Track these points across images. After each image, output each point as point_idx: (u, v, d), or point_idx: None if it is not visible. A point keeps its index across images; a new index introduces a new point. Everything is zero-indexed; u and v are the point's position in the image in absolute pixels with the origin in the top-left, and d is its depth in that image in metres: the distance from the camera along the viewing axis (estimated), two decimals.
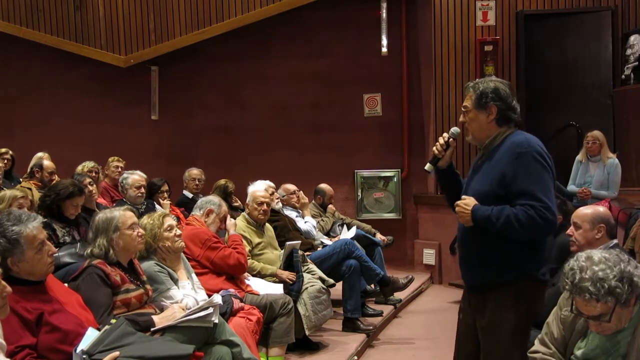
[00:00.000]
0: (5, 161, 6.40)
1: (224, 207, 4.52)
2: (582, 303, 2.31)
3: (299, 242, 4.89)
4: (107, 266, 3.10)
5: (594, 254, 2.34)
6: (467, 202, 2.67)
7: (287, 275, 4.55)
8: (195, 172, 6.69)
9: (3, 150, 6.47)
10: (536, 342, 2.70)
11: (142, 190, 5.54)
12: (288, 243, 4.73)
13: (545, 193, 2.56)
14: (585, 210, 3.43)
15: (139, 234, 3.28)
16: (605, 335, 2.39)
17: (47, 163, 6.09)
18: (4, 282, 2.07)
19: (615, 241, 3.50)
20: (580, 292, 2.28)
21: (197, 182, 6.63)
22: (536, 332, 3.09)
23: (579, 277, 2.28)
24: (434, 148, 2.87)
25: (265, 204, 4.83)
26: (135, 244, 3.26)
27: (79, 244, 4.04)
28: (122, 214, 3.28)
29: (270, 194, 5.19)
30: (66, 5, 8.32)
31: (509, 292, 2.65)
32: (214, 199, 4.52)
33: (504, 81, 2.82)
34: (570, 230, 3.44)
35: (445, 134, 2.86)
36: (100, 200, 5.36)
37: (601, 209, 3.47)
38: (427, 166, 2.90)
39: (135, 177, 5.54)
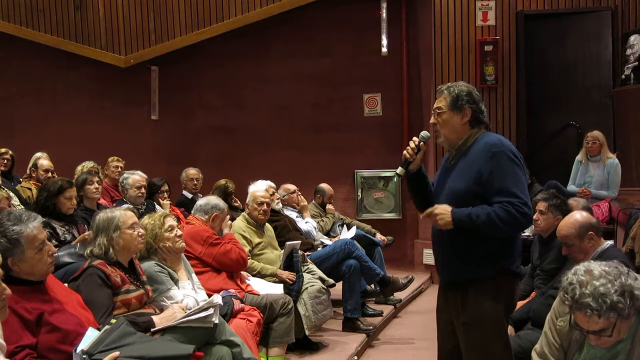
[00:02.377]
0: (5, 161, 6.40)
1: (226, 211, 4.52)
2: (583, 318, 2.25)
3: (299, 242, 4.89)
4: (107, 267, 3.10)
5: (594, 267, 2.28)
6: (444, 206, 2.73)
7: (287, 275, 4.55)
8: (192, 172, 6.68)
9: (3, 150, 6.47)
10: (534, 355, 2.66)
11: (143, 190, 5.53)
12: (288, 243, 4.73)
13: (521, 189, 2.69)
14: (568, 228, 3.37)
15: (140, 233, 3.28)
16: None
17: (43, 162, 6.08)
18: (3, 285, 2.06)
19: (610, 242, 3.49)
20: (581, 308, 2.22)
21: (195, 182, 6.62)
22: (536, 332, 3.09)
23: (579, 292, 2.22)
24: (405, 152, 2.92)
25: (265, 204, 4.82)
26: (135, 243, 3.26)
27: (79, 244, 4.04)
28: (123, 214, 3.29)
29: (271, 195, 5.19)
30: (66, 5, 8.31)
31: (488, 286, 2.75)
32: (219, 204, 4.43)
33: (473, 86, 2.96)
34: (565, 249, 3.43)
35: (415, 138, 2.92)
36: (100, 201, 5.36)
37: (578, 216, 3.41)
38: (399, 170, 2.94)
39: (136, 178, 5.54)
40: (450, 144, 2.89)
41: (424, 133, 2.94)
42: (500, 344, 2.77)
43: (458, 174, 2.81)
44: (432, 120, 2.92)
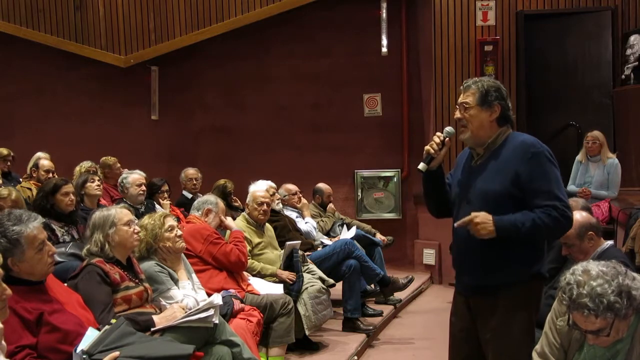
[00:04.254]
0: (9, 163, 6.41)
1: (221, 204, 4.55)
2: (580, 318, 2.25)
3: (299, 242, 4.89)
4: (105, 264, 3.12)
5: (591, 267, 2.27)
6: (484, 215, 2.57)
7: (287, 275, 4.55)
8: (191, 172, 6.68)
9: (5, 152, 6.48)
10: (534, 355, 2.66)
11: (143, 187, 5.53)
12: (288, 243, 4.73)
13: (562, 191, 2.61)
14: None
15: (135, 230, 3.30)
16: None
17: (44, 162, 6.08)
18: (4, 285, 2.07)
19: (610, 242, 3.49)
20: (578, 308, 2.22)
21: (194, 182, 6.62)
22: (536, 332, 3.07)
23: (576, 292, 2.22)
24: (429, 147, 2.75)
25: (265, 204, 4.83)
26: (131, 240, 3.27)
27: (70, 244, 4.03)
28: (119, 211, 3.32)
29: (271, 195, 5.19)
30: (66, 5, 8.31)
31: (521, 291, 2.65)
32: (210, 198, 4.53)
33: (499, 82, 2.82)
34: (565, 250, 3.41)
35: (439, 133, 2.78)
36: (101, 201, 5.35)
37: (578, 216, 3.36)
38: (421, 165, 2.78)
39: (135, 176, 5.53)
40: (477, 141, 2.72)
41: (448, 128, 2.81)
42: (526, 351, 2.64)
43: (490, 175, 2.66)
44: (457, 114, 2.74)
